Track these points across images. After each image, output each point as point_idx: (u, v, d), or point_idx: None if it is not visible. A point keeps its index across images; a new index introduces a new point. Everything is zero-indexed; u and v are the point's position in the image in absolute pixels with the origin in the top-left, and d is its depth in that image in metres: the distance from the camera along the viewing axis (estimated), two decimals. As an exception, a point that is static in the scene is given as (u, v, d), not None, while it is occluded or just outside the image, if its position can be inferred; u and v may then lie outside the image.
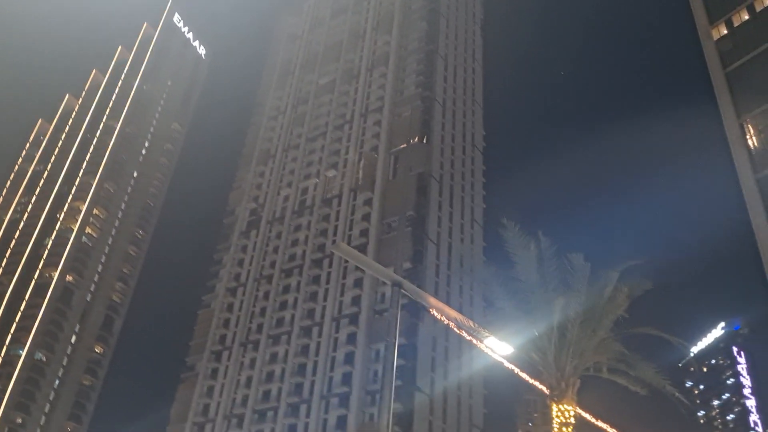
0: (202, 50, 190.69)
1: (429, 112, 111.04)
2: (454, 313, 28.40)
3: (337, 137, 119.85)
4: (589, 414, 24.49)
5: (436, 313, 32.56)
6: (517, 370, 26.33)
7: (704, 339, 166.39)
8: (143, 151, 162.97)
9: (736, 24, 73.81)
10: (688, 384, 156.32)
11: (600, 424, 26.97)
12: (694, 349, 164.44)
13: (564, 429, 19.13)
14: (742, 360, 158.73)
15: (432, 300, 33.15)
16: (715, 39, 75.41)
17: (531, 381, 25.02)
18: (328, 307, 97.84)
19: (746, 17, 72.77)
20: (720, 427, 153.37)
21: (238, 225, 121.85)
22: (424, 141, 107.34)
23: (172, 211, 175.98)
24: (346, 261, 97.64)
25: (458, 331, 28.69)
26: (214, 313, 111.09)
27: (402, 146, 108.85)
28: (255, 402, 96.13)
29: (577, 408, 20.96)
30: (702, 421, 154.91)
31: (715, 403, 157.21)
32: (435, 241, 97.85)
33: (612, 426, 27.31)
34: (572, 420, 19.70)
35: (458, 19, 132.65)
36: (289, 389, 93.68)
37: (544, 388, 23.65)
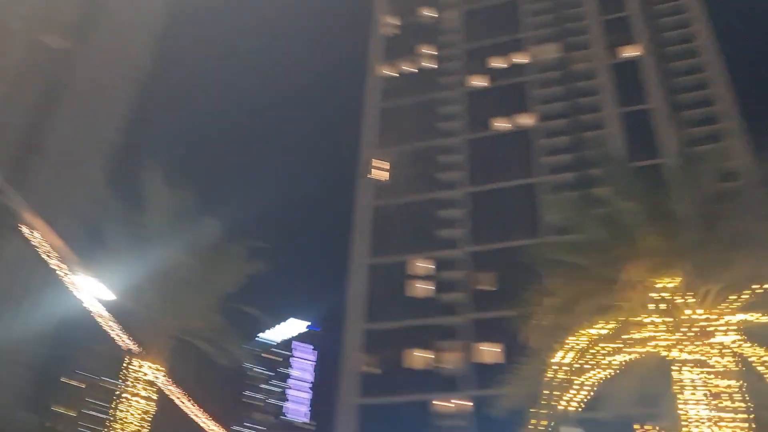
0: None
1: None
2: (57, 241, 25.41)
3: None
4: (170, 376, 24.07)
5: (30, 234, 28.64)
6: (106, 318, 24.50)
7: (282, 331, 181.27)
8: None
9: (401, 70, 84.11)
10: (256, 369, 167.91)
11: (172, 388, 26.68)
12: (272, 338, 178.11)
13: (147, 387, 18.33)
14: (300, 355, 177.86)
15: (34, 219, 29.01)
16: (381, 76, 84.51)
17: (119, 332, 23.53)
18: None
19: (412, 69, 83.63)
20: (260, 410, 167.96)
21: None
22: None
23: None
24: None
25: (52, 262, 25.72)
26: None
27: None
28: None
29: (161, 367, 20.36)
30: (256, 403, 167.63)
31: (265, 387, 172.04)
32: (49, 155, 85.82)
33: (183, 392, 27.29)
34: (157, 378, 19.05)
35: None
36: None
37: (130, 343, 22.38)
